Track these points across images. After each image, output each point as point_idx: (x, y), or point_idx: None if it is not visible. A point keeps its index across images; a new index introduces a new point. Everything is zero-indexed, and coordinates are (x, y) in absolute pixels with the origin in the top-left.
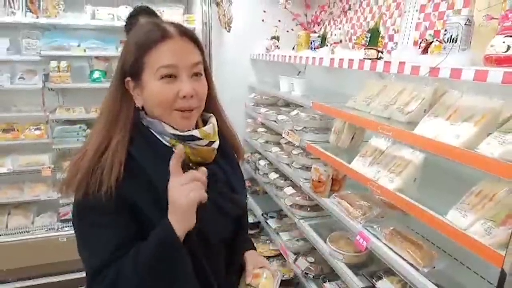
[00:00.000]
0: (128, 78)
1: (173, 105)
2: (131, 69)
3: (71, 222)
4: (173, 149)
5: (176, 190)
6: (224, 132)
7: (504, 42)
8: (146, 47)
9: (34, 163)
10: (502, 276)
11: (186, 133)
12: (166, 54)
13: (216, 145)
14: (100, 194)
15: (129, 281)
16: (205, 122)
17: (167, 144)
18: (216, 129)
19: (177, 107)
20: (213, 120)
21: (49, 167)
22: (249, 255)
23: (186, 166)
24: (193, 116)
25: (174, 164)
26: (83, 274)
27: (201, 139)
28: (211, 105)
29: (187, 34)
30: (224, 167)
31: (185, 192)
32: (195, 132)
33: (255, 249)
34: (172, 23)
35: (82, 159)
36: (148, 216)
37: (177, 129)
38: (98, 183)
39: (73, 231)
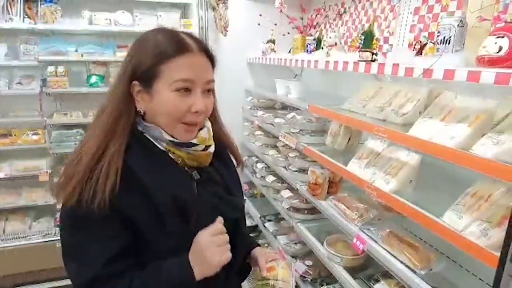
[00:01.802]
0: (136, 82)
1: (182, 118)
2: (143, 74)
3: (59, 230)
4: (169, 154)
5: (210, 250)
6: (222, 138)
7: (496, 43)
8: (165, 56)
9: (32, 168)
10: (498, 276)
11: (183, 140)
12: (185, 67)
13: (212, 149)
14: (93, 204)
15: None
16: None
17: (163, 149)
18: (211, 133)
19: (185, 121)
20: (208, 124)
21: (47, 172)
22: (257, 251)
23: (182, 170)
24: (196, 130)
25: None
26: None
27: (197, 144)
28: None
29: (206, 51)
30: (221, 170)
31: (219, 254)
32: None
33: (259, 245)
34: (192, 36)
35: (77, 162)
36: (142, 227)
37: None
38: (92, 192)
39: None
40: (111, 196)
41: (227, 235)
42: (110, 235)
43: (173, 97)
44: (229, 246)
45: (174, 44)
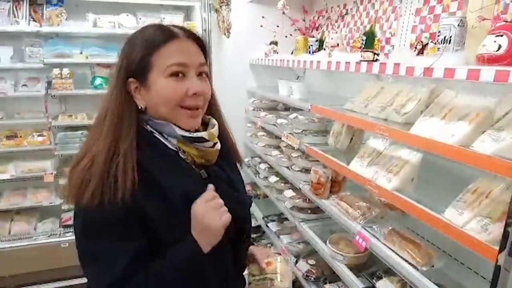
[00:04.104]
0: (132, 79)
1: (180, 103)
2: (136, 68)
3: (74, 233)
4: (179, 152)
5: (207, 215)
6: (225, 135)
7: (495, 41)
8: (154, 46)
9: (37, 169)
10: (496, 271)
11: (195, 135)
12: (175, 52)
13: (218, 146)
14: (117, 203)
15: None
16: (204, 124)
17: (172, 148)
18: (218, 131)
19: (184, 105)
20: (214, 121)
21: (52, 173)
22: (253, 248)
23: (192, 168)
24: (199, 116)
25: (212, 190)
26: (84, 280)
27: (208, 140)
28: (212, 108)
29: (193, 36)
30: (225, 168)
31: (216, 217)
32: (204, 134)
33: (253, 243)
34: (177, 26)
35: (90, 166)
36: (158, 224)
37: (187, 131)
38: (113, 191)
39: (74, 237)
40: (132, 192)
41: (221, 199)
42: (130, 236)
43: (168, 82)
44: (225, 208)
45: (161, 34)
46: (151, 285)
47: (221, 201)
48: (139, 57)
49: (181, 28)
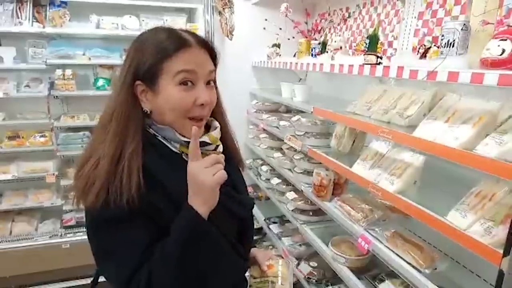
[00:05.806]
0: (139, 82)
1: (188, 113)
2: (145, 73)
3: (87, 234)
4: (183, 155)
5: (201, 173)
6: (227, 137)
7: (499, 45)
8: (166, 53)
9: (39, 170)
10: (500, 275)
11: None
12: (187, 61)
13: (220, 148)
14: (122, 203)
15: (163, 277)
16: (206, 126)
17: (176, 150)
18: (220, 133)
19: (191, 115)
20: (216, 124)
21: (53, 174)
22: (255, 250)
23: None
24: (203, 125)
25: (194, 147)
26: (86, 281)
27: (210, 144)
28: (215, 110)
29: (204, 44)
30: (228, 170)
31: (210, 174)
32: (205, 138)
33: (255, 245)
34: (189, 32)
35: (96, 167)
36: (166, 221)
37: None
38: (119, 192)
39: (75, 238)
40: (138, 194)
41: (213, 155)
42: (140, 228)
43: (178, 91)
44: (219, 165)
45: (174, 41)
46: (158, 266)
47: (212, 157)
48: (149, 62)
49: (192, 34)
